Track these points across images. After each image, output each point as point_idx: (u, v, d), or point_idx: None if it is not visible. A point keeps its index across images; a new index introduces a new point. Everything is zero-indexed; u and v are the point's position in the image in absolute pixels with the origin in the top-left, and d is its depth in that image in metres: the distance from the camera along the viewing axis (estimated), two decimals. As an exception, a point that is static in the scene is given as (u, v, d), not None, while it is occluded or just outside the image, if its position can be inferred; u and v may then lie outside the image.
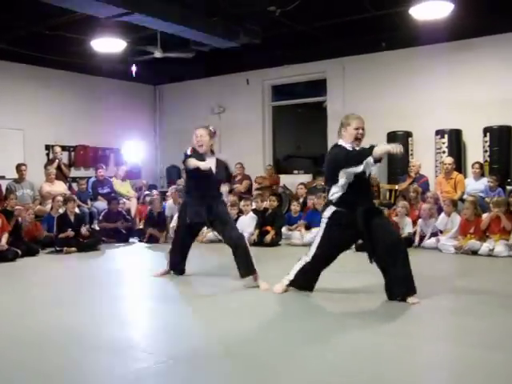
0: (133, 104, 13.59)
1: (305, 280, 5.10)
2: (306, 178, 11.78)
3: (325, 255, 4.99)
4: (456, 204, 8.62)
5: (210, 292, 5.42)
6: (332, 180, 4.85)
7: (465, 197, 9.07)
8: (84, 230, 8.81)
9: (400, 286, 4.79)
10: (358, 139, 4.84)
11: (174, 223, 10.05)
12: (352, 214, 4.77)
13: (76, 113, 12.32)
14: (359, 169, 4.60)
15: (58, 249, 8.55)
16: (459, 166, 10.06)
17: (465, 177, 9.88)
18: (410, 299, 4.73)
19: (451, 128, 10.20)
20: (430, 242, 8.33)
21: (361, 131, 4.85)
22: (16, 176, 10.15)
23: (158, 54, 10.38)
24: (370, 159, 4.50)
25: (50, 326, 4.24)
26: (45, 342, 3.87)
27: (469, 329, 4.05)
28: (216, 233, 6.19)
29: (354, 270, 6.04)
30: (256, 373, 3.20)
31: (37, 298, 5.41)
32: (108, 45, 9.88)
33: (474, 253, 7.65)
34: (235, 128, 12.61)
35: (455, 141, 10.23)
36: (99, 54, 10.44)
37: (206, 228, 9.81)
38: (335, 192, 4.85)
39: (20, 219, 8.51)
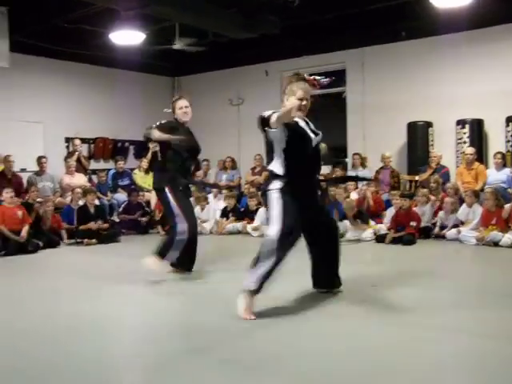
0: (152, 96, 13.58)
1: None
2: (326, 169, 11.71)
3: None
4: (478, 195, 8.52)
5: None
6: None
7: (486, 187, 8.97)
8: (100, 223, 8.86)
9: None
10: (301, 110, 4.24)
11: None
12: None
13: (95, 105, 12.36)
14: None
15: (78, 240, 8.63)
16: (480, 156, 9.93)
17: (486, 167, 9.75)
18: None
19: (473, 118, 10.07)
20: (451, 233, 8.24)
21: (304, 102, 4.24)
22: (37, 168, 10.25)
23: (176, 45, 10.38)
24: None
25: (70, 317, 4.29)
26: (63, 333, 3.91)
27: (484, 320, 4.00)
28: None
29: (361, 260, 5.98)
30: (261, 367, 3.19)
31: (56, 288, 5.46)
32: (127, 37, 9.89)
33: (496, 244, 7.56)
34: (254, 119, 12.51)
35: (477, 131, 10.09)
36: (118, 46, 10.46)
37: (225, 220, 9.95)
38: None
39: (41, 212, 8.59)
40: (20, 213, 7.99)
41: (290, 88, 4.26)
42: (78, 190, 9.45)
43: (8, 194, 7.99)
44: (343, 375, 3.01)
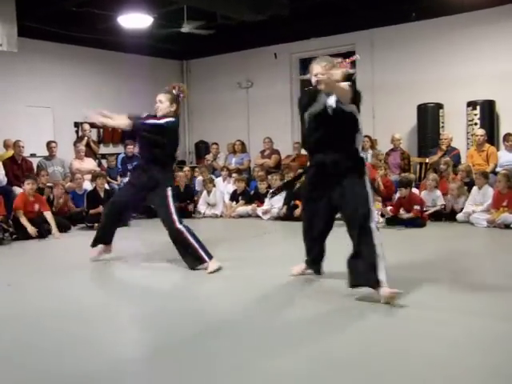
0: (160, 79, 13.48)
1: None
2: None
3: None
4: (488, 177, 8.45)
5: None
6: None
7: (497, 169, 8.90)
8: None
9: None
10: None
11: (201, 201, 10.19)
12: None
13: (104, 89, 12.33)
14: None
15: (88, 225, 8.66)
16: (492, 137, 9.85)
17: (498, 149, 9.68)
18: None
19: (484, 99, 9.97)
20: (461, 215, 8.20)
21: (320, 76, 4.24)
22: (46, 153, 10.27)
23: (184, 28, 10.32)
24: None
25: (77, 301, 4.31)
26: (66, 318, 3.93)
27: (496, 302, 4.01)
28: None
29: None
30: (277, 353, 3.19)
31: (66, 271, 5.49)
32: (135, 20, 9.86)
33: (507, 226, 7.52)
34: (263, 102, 12.53)
35: (488, 112, 9.99)
36: (126, 30, 10.42)
37: (234, 203, 9.95)
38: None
39: (52, 196, 8.62)
40: (37, 206, 7.99)
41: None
42: (79, 175, 9.58)
43: (29, 185, 7.95)
44: (353, 358, 3.01)
